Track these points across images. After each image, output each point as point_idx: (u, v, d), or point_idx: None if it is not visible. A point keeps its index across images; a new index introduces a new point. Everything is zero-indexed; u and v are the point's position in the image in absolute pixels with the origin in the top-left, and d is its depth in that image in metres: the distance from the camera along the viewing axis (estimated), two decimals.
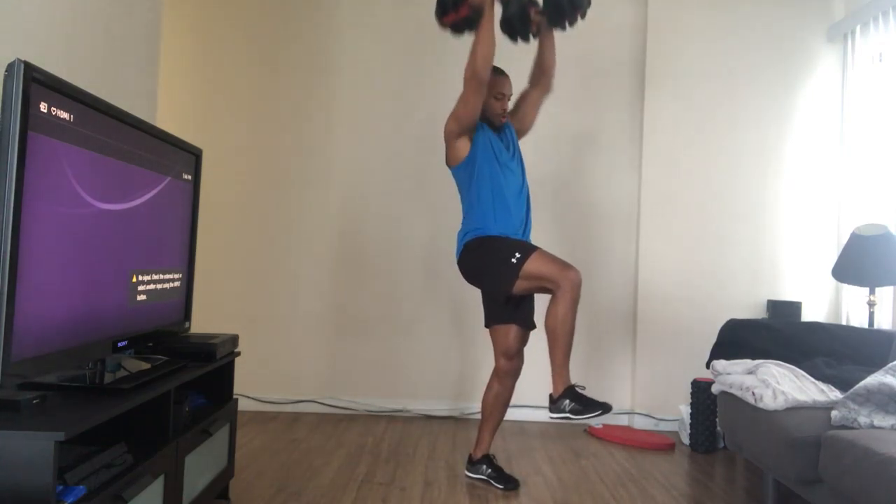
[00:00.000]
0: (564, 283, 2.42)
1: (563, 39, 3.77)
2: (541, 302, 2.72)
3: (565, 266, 2.47)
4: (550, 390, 2.49)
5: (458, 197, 2.76)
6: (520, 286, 2.52)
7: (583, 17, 2.75)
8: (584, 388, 2.47)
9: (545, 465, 2.97)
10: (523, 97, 2.87)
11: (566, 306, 2.43)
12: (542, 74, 2.84)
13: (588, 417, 2.41)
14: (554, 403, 2.46)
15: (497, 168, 2.64)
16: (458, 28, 2.68)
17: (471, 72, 2.53)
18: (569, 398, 2.43)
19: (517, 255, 2.50)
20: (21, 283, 1.38)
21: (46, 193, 1.47)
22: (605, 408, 2.40)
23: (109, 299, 1.79)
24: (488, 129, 2.69)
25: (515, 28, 2.72)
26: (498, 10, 2.60)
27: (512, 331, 2.68)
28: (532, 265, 2.48)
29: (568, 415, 2.43)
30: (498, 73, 2.69)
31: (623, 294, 3.78)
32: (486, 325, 2.75)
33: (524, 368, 2.76)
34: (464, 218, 2.72)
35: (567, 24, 2.77)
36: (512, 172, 2.69)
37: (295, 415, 3.70)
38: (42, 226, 1.46)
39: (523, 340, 2.72)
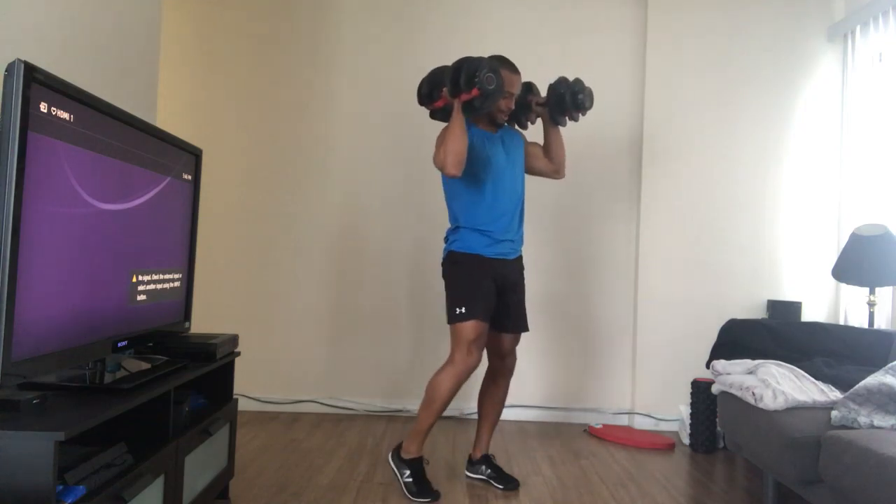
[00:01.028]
0: (458, 363, 2.49)
1: (562, 36, 3.81)
2: (533, 302, 2.69)
3: (473, 352, 2.49)
4: (406, 439, 2.60)
5: None
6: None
7: (583, 114, 2.73)
8: (427, 462, 2.61)
9: (545, 465, 2.97)
10: (540, 155, 2.81)
11: (447, 379, 2.50)
12: (551, 161, 2.80)
13: (411, 494, 2.49)
14: (396, 457, 2.59)
15: (487, 176, 2.58)
16: (435, 116, 2.71)
17: (439, 166, 2.48)
18: (410, 470, 2.54)
19: (464, 308, 2.50)
20: (21, 283, 1.38)
21: (46, 193, 1.47)
22: (435, 497, 2.49)
23: (109, 299, 1.79)
24: (485, 134, 2.63)
25: (514, 112, 2.74)
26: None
27: (501, 335, 2.68)
28: (462, 328, 2.50)
29: (402, 479, 2.54)
30: (509, 68, 2.58)
31: (623, 294, 3.78)
32: None
33: (523, 369, 2.76)
34: (450, 217, 2.69)
35: (567, 119, 2.76)
36: (507, 179, 2.63)
37: (295, 415, 3.70)
38: (42, 226, 1.46)
39: (514, 341, 2.72)
